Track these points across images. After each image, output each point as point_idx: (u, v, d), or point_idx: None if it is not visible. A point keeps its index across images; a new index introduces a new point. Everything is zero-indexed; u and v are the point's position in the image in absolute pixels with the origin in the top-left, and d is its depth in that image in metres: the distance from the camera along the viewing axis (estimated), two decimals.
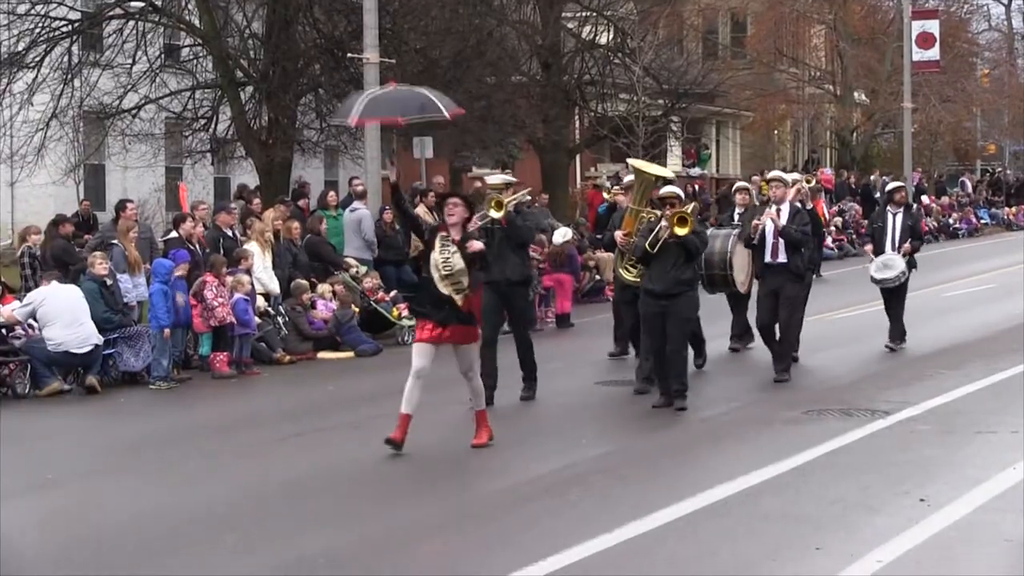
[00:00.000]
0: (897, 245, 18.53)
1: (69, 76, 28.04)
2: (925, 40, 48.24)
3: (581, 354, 19.00)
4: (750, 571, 8.67)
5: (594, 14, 37.23)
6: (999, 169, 61.90)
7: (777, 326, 16.24)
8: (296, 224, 22.37)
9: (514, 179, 16.07)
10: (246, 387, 17.68)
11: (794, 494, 10.61)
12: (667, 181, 15.85)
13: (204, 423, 15.23)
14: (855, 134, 53.71)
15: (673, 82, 37.88)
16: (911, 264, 18.60)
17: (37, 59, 27.75)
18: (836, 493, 10.53)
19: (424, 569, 9.01)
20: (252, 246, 20.51)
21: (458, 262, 12.17)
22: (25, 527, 10.32)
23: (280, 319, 20.20)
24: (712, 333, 17.71)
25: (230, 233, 21.08)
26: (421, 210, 23.66)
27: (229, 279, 18.97)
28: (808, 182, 18.41)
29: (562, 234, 25.05)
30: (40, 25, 27.83)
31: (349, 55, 27.42)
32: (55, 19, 27.99)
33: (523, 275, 15.20)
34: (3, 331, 17.37)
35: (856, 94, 53.53)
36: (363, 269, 22.82)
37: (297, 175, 30.80)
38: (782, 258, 16.06)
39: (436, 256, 12.23)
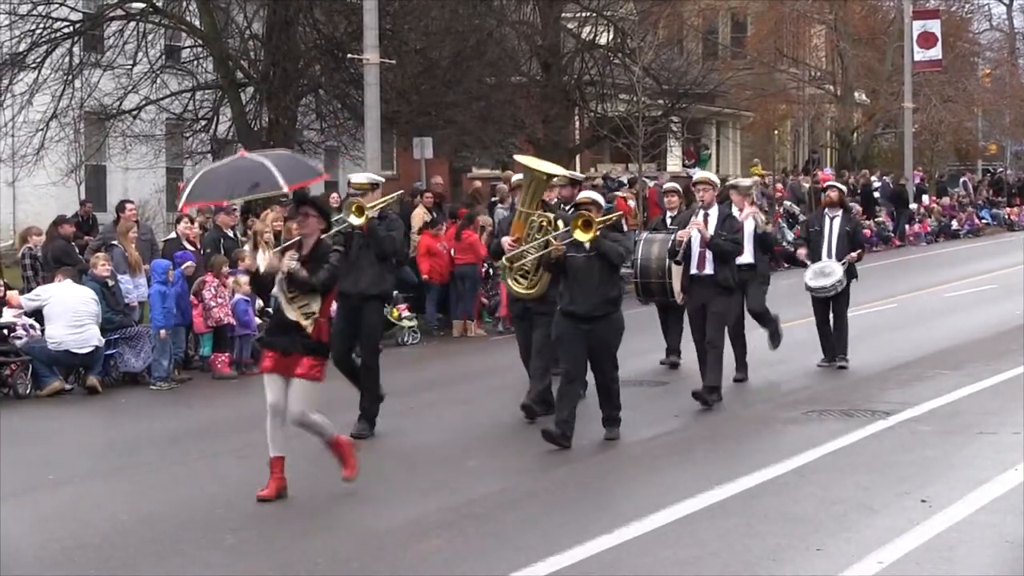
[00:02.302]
0: (835, 251, 17.15)
1: (70, 77, 28.05)
2: (926, 40, 48.21)
3: None
4: (750, 572, 8.67)
5: (594, 14, 37.21)
6: (1000, 169, 61.87)
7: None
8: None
9: (381, 179, 14.41)
10: (246, 387, 17.67)
11: (794, 495, 10.62)
12: (576, 182, 15.05)
13: (205, 423, 15.24)
14: (856, 134, 53.69)
15: (673, 82, 37.86)
16: (851, 273, 17.22)
17: (38, 60, 27.76)
18: (837, 494, 10.53)
19: (424, 569, 9.01)
20: (251, 246, 20.48)
21: (308, 278, 10.76)
22: (26, 527, 10.33)
23: None
24: (643, 347, 17.02)
25: (230, 234, 21.08)
26: (420, 210, 23.71)
27: (230, 280, 18.98)
28: (765, 185, 17.29)
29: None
30: (41, 26, 27.84)
31: (349, 56, 27.42)
32: (56, 20, 28.00)
33: (381, 289, 13.59)
34: (4, 331, 17.38)
35: (857, 94, 53.50)
36: None
37: None
38: (709, 269, 14.49)
39: (281, 275, 10.83)
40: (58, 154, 28.32)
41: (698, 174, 15.54)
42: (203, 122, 30.10)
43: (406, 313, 21.76)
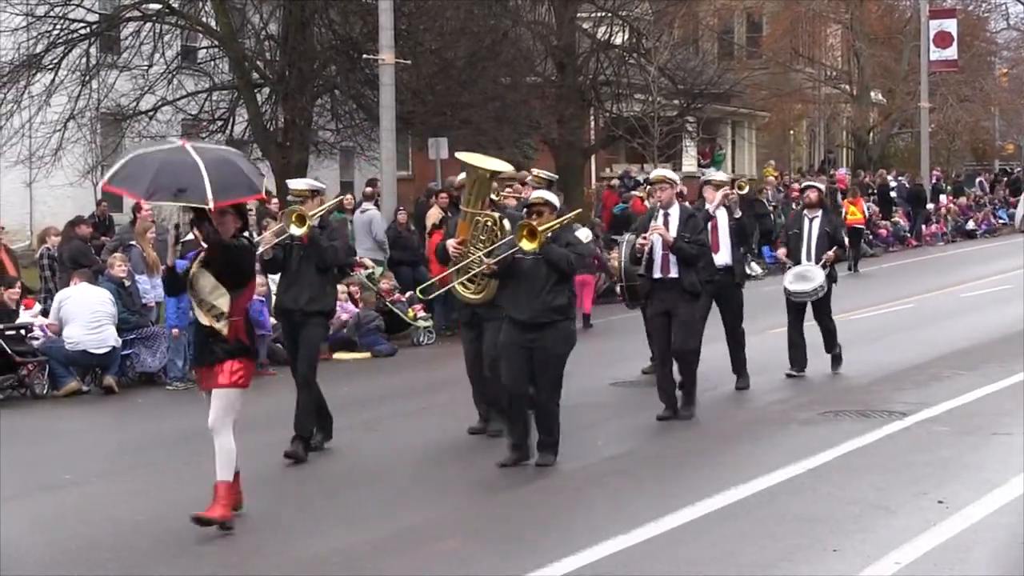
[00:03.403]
0: (814, 253, 16.51)
1: (87, 78, 28.15)
2: (943, 39, 48.12)
3: (596, 355, 18.97)
4: (766, 572, 8.66)
5: (609, 14, 37.21)
6: (1018, 169, 61.70)
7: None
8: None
9: (322, 185, 13.52)
10: (261, 388, 17.63)
11: (811, 495, 10.60)
12: (551, 183, 14.24)
13: None
14: (872, 134, 53.59)
15: (688, 82, 37.84)
16: (831, 278, 16.63)
17: (55, 61, 27.86)
18: (853, 494, 10.51)
19: (439, 569, 9.01)
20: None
21: (207, 281, 9.97)
22: (43, 526, 10.36)
23: None
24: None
25: (245, 234, 21.08)
26: (435, 210, 23.72)
27: None
28: (742, 188, 16.03)
29: (584, 234, 25.00)
30: (58, 27, 27.93)
31: (365, 56, 27.45)
32: (73, 21, 28.08)
33: (323, 304, 12.67)
34: (22, 331, 17.45)
35: (873, 94, 53.41)
36: (379, 270, 22.85)
37: (313, 177, 30.81)
38: (673, 272, 13.63)
39: (188, 279, 10.12)
40: (75, 155, 28.41)
41: (655, 172, 14.61)
42: (219, 123, 30.15)
43: (422, 313, 21.78)
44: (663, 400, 13.86)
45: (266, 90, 29.54)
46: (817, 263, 16.44)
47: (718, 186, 15.60)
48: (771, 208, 33.01)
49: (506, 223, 12.44)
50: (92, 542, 9.78)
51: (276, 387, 17.87)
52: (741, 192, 15.78)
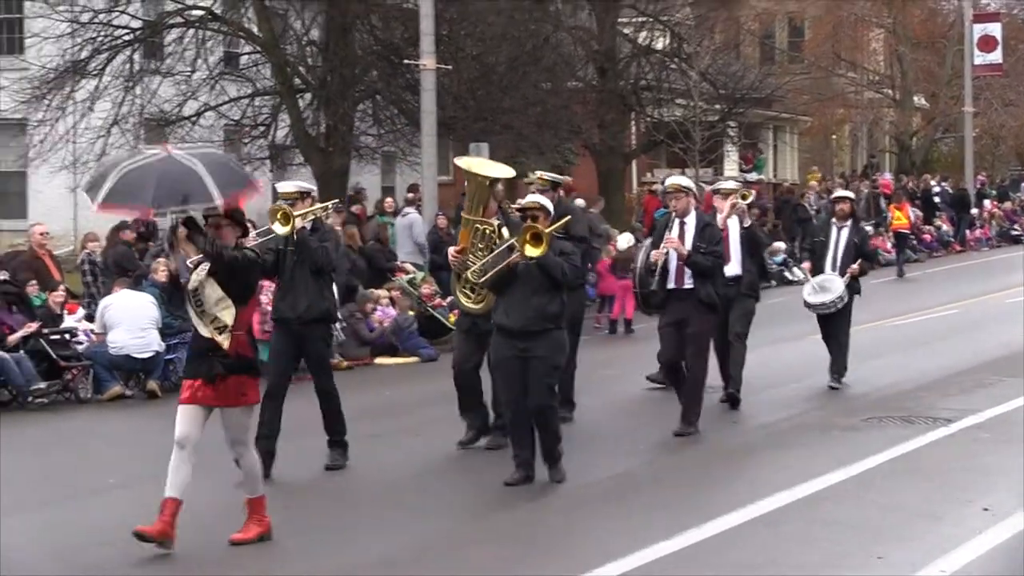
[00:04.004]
0: (839, 265, 16.02)
1: (130, 84, 28.30)
2: (987, 43, 47.84)
3: (637, 360, 18.91)
4: None
5: (650, 19, 37.18)
6: None
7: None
8: (355, 230, 22.45)
9: (311, 187, 13.07)
10: (302, 393, 17.69)
11: (854, 502, 10.55)
12: (557, 185, 13.84)
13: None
14: (915, 139, 53.33)
15: (730, 87, 37.75)
16: (854, 289, 16.08)
17: (99, 67, 28.04)
18: (897, 501, 10.46)
19: (481, 570, 9.01)
20: None
21: (214, 292, 9.58)
22: (87, 529, 10.40)
23: (337, 325, 20.26)
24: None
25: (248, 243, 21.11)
26: None
27: None
28: (745, 197, 15.34)
29: (626, 239, 24.97)
30: (102, 34, 28.11)
31: (406, 61, 27.50)
32: (117, 28, 28.25)
33: (322, 310, 12.18)
34: (66, 336, 17.57)
35: (916, 98, 53.15)
36: (420, 275, 22.89)
37: (354, 181, 30.93)
38: (689, 283, 13.19)
39: (188, 289, 9.69)
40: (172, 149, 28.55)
41: (670, 179, 14.07)
42: (261, 128, 30.28)
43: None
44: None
45: (308, 95, 29.63)
46: (842, 275, 15.91)
47: (727, 195, 15.09)
48: (813, 213, 32.92)
49: (505, 231, 12.18)
50: (136, 545, 9.81)
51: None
52: (746, 201, 15.31)
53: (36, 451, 14.20)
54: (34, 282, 18.32)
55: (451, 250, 12.61)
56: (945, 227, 41.54)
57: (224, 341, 9.49)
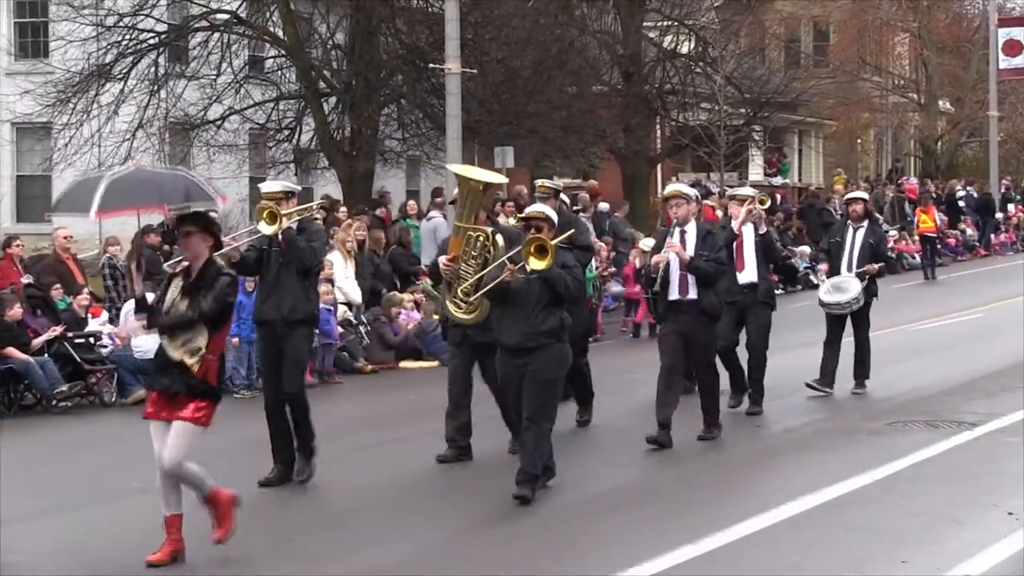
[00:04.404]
0: (855, 265, 15.79)
1: (155, 87, 28.41)
2: (1011, 47, 47.69)
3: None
4: None
5: (675, 23, 37.16)
6: None
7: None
8: (380, 234, 22.49)
9: (297, 187, 12.68)
10: (328, 396, 17.76)
11: (878, 506, 10.52)
12: (558, 192, 13.65)
13: None
14: (940, 143, 53.18)
15: (755, 91, 37.72)
16: (871, 291, 15.88)
17: (124, 71, 28.15)
18: (921, 505, 10.43)
19: (501, 570, 9.02)
20: (335, 255, 20.65)
21: (187, 312, 9.20)
22: (111, 533, 10.43)
23: (362, 328, 20.31)
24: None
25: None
26: (500, 219, 23.72)
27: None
28: (763, 202, 15.16)
29: (649, 243, 24.97)
30: (127, 37, 28.22)
31: (431, 65, 27.54)
32: (142, 31, 28.36)
33: (306, 312, 11.84)
34: (91, 340, 17.63)
35: (941, 102, 52.99)
36: None
37: (379, 185, 30.98)
38: (692, 294, 12.84)
39: (163, 306, 9.35)
40: (144, 163, 28.67)
41: (671, 186, 13.69)
42: (286, 132, 30.35)
43: None
44: (659, 418, 12.90)
45: (333, 99, 29.69)
46: (858, 276, 15.73)
47: (743, 201, 14.86)
48: (839, 217, 32.84)
49: (499, 239, 11.75)
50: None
51: (344, 396, 17.99)
52: (764, 206, 15.09)
53: (60, 454, 14.26)
54: (58, 286, 18.39)
55: (442, 259, 12.07)
56: (970, 231, 41.41)
57: (195, 364, 9.16)
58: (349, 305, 20.47)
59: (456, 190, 12.58)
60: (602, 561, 9.07)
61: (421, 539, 10.00)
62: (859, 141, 54.02)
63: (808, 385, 15.69)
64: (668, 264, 12.80)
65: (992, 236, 42.27)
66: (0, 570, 8.90)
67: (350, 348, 19.66)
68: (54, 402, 16.54)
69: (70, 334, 17.28)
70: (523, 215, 11.62)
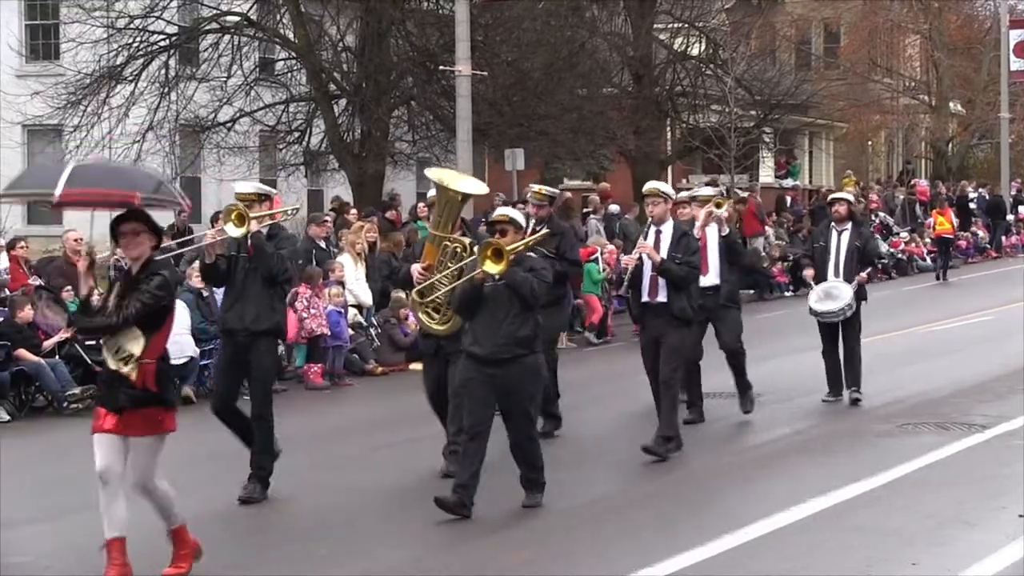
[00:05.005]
0: (842, 269, 15.28)
1: (166, 89, 28.45)
2: (1023, 49, 47.61)
3: None
4: None
5: (686, 25, 37.14)
6: None
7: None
8: (400, 236, 22.47)
9: (272, 190, 12.04)
10: (339, 398, 17.79)
11: (888, 508, 10.50)
12: (553, 199, 13.40)
13: (297, 434, 15.27)
14: (951, 145, 53.11)
15: (766, 93, 37.69)
16: (860, 296, 15.36)
17: (135, 73, 28.20)
18: (931, 508, 10.41)
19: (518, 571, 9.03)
20: (344, 258, 20.67)
21: (107, 318, 8.69)
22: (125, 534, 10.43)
23: (373, 331, 20.32)
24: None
25: (323, 244, 21.22)
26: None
27: (326, 291, 19.17)
28: (719, 205, 14.47)
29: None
30: (138, 39, 28.26)
31: (441, 67, 27.57)
32: (153, 33, 28.40)
33: (272, 322, 11.28)
34: (101, 342, 17.60)
35: (952, 104, 52.93)
36: None
37: (389, 187, 31.00)
38: (662, 297, 12.39)
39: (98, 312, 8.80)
40: (154, 166, 28.71)
41: (648, 184, 13.09)
42: (296, 134, 30.39)
43: None
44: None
45: (343, 101, 29.73)
46: (847, 281, 15.24)
47: (703, 203, 14.37)
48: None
49: (476, 249, 11.14)
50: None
51: (355, 398, 18.00)
52: (720, 210, 14.37)
53: (71, 456, 14.26)
54: (68, 288, 18.41)
55: (415, 267, 11.69)
56: (981, 233, 41.36)
57: (131, 372, 8.56)
58: (359, 307, 20.49)
59: (431, 193, 12.19)
60: (612, 563, 9.08)
61: (429, 541, 10.00)
62: (870, 143, 53.95)
63: (824, 400, 15.42)
64: (640, 266, 12.37)
65: (1003, 238, 42.24)
66: (8, 571, 8.90)
67: (360, 350, 19.68)
68: (65, 404, 16.55)
69: (80, 336, 17.29)
70: (490, 219, 11.16)
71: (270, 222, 11.33)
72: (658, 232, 12.52)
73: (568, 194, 31.54)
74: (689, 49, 37.40)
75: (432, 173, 12.66)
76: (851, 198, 16.48)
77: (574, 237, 14.69)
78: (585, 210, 27.58)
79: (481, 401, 10.44)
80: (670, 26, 37.63)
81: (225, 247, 11.22)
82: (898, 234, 37.34)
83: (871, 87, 51.34)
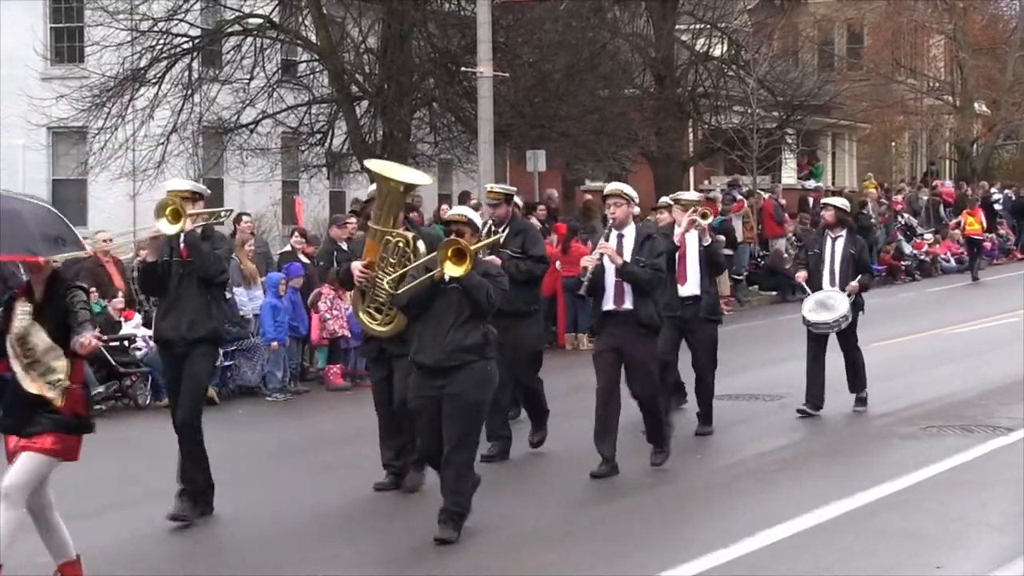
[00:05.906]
0: (837, 277, 14.78)
1: (189, 92, 28.50)
2: None
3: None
4: None
5: (708, 26, 37.09)
6: None
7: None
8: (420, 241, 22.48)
9: (207, 189, 11.51)
10: (360, 399, 17.72)
11: (913, 511, 10.47)
12: (510, 197, 12.86)
13: (318, 435, 15.35)
14: (975, 145, 52.92)
15: (788, 94, 37.59)
16: (857, 306, 14.89)
17: (158, 75, 28.24)
18: (956, 510, 10.37)
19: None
20: None
21: (42, 340, 8.09)
22: (142, 536, 10.45)
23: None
24: (754, 361, 15.68)
25: (344, 247, 21.20)
26: (532, 220, 23.74)
27: (349, 292, 19.19)
28: (704, 216, 13.87)
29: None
30: (161, 42, 28.31)
31: (463, 69, 27.57)
32: (176, 36, 28.45)
33: (208, 329, 10.69)
34: (125, 343, 17.70)
35: (976, 105, 52.73)
36: None
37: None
38: (628, 304, 11.65)
39: (12, 335, 8.15)
40: (177, 168, 28.75)
41: (610, 185, 12.33)
42: (318, 136, 30.41)
43: None
44: (601, 450, 11.82)
45: (365, 103, 29.73)
46: (842, 289, 14.73)
47: (686, 207, 13.72)
48: (872, 221, 32.79)
49: (420, 244, 10.82)
50: (191, 551, 9.88)
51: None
52: (705, 221, 13.78)
53: (94, 457, 14.26)
54: (94, 289, 18.45)
55: (356, 265, 11.02)
56: (1006, 234, 41.20)
57: (57, 398, 8.07)
58: None
59: (372, 187, 11.72)
60: (636, 564, 9.06)
61: (450, 547, 9.99)
62: (893, 144, 53.81)
63: (799, 411, 14.72)
64: (601, 268, 11.65)
65: None
66: (29, 571, 8.91)
67: None
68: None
69: (105, 337, 17.35)
70: (445, 218, 10.80)
71: (204, 222, 10.82)
72: (620, 236, 11.82)
73: (589, 196, 31.55)
74: (711, 50, 37.33)
75: (372, 164, 12.23)
76: (841, 203, 15.76)
77: (537, 233, 14.16)
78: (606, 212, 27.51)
79: (428, 421, 9.91)
80: (692, 27, 37.58)
81: (158, 253, 10.67)
82: (922, 235, 37.23)
83: (894, 88, 51.20)
